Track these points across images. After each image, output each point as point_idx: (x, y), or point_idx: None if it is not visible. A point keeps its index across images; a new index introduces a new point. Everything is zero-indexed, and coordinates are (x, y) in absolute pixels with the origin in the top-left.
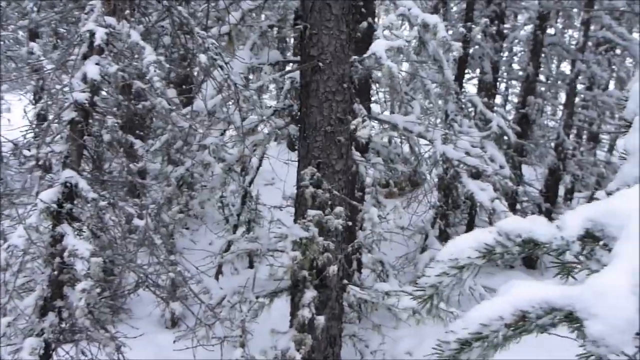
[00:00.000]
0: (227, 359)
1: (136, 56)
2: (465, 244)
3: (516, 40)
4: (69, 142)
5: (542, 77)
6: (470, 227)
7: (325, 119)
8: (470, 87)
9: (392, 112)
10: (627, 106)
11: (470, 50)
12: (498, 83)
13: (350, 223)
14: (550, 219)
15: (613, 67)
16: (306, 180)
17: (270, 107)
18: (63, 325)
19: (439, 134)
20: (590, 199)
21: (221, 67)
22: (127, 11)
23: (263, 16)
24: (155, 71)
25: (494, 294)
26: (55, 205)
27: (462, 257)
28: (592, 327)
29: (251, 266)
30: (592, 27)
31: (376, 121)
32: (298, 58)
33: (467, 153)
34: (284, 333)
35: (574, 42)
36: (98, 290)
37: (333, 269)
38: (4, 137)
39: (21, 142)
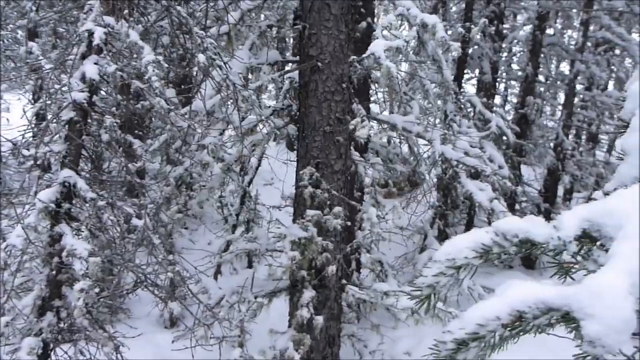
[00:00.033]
0: (226, 359)
1: (135, 56)
2: (462, 244)
3: (515, 41)
4: (68, 141)
5: (541, 78)
6: (469, 227)
7: (324, 119)
8: (469, 87)
9: (391, 112)
10: (624, 106)
11: (470, 51)
12: (497, 83)
13: (349, 223)
14: (549, 219)
15: (612, 67)
16: (305, 180)
17: (269, 107)
18: (61, 325)
19: (437, 134)
20: (589, 199)
21: (220, 67)
22: (126, 11)
23: (262, 16)
24: (154, 71)
25: (492, 294)
26: (53, 205)
27: (459, 257)
28: (588, 327)
29: (250, 266)
30: (591, 28)
31: (375, 121)
32: (297, 58)
33: (466, 153)
34: (283, 333)
35: (573, 43)
36: (96, 290)
37: (332, 269)
38: (2, 136)
39: (20, 141)
